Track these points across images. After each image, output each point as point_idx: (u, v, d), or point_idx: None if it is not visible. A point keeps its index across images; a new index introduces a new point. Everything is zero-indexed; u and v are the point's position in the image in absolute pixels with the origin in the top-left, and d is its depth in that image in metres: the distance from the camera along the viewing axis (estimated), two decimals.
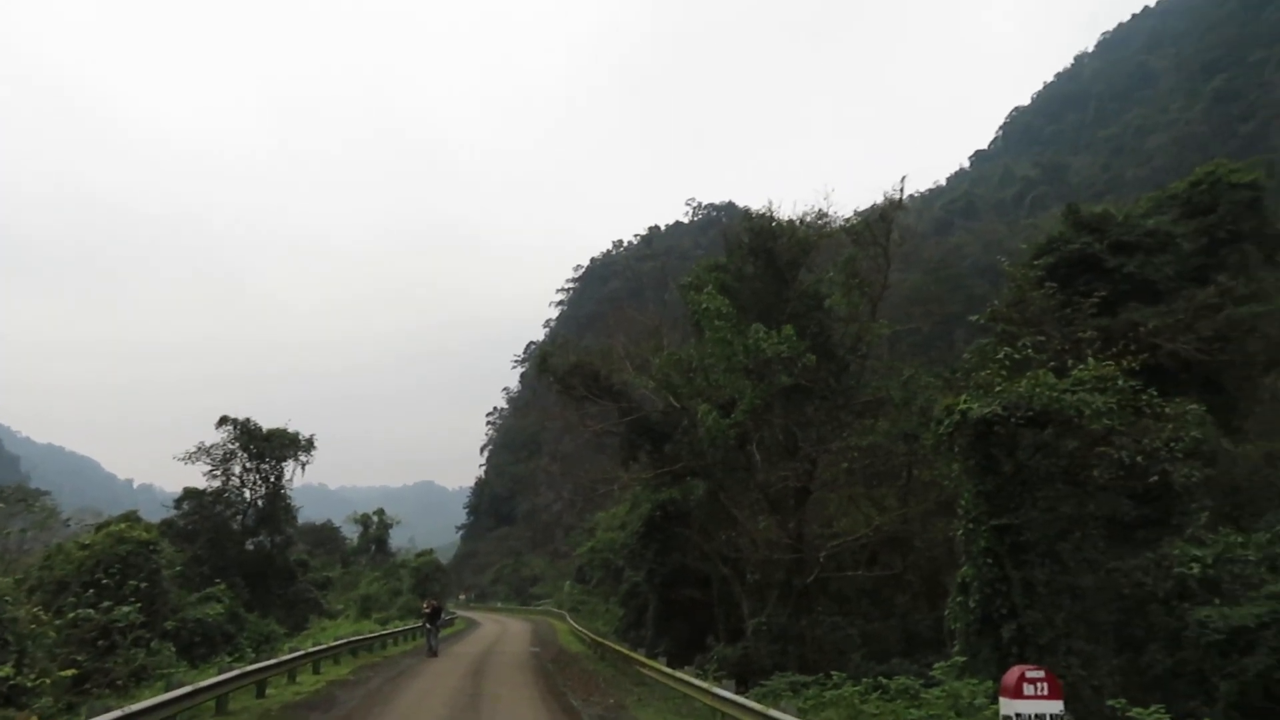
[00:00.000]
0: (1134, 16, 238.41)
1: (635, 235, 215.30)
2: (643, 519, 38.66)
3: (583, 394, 36.47)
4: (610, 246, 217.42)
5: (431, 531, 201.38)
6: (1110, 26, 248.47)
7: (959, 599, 17.39)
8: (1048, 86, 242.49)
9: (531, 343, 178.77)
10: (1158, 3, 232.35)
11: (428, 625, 38.64)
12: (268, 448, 55.06)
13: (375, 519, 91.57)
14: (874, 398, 30.30)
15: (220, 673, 19.74)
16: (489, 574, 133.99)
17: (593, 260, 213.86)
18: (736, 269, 32.23)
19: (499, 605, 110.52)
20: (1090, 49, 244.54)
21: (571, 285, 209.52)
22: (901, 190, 31.92)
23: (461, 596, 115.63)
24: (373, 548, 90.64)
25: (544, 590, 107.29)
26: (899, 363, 33.22)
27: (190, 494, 53.16)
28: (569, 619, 65.42)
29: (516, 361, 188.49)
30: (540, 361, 40.79)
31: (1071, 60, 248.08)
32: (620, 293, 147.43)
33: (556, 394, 39.73)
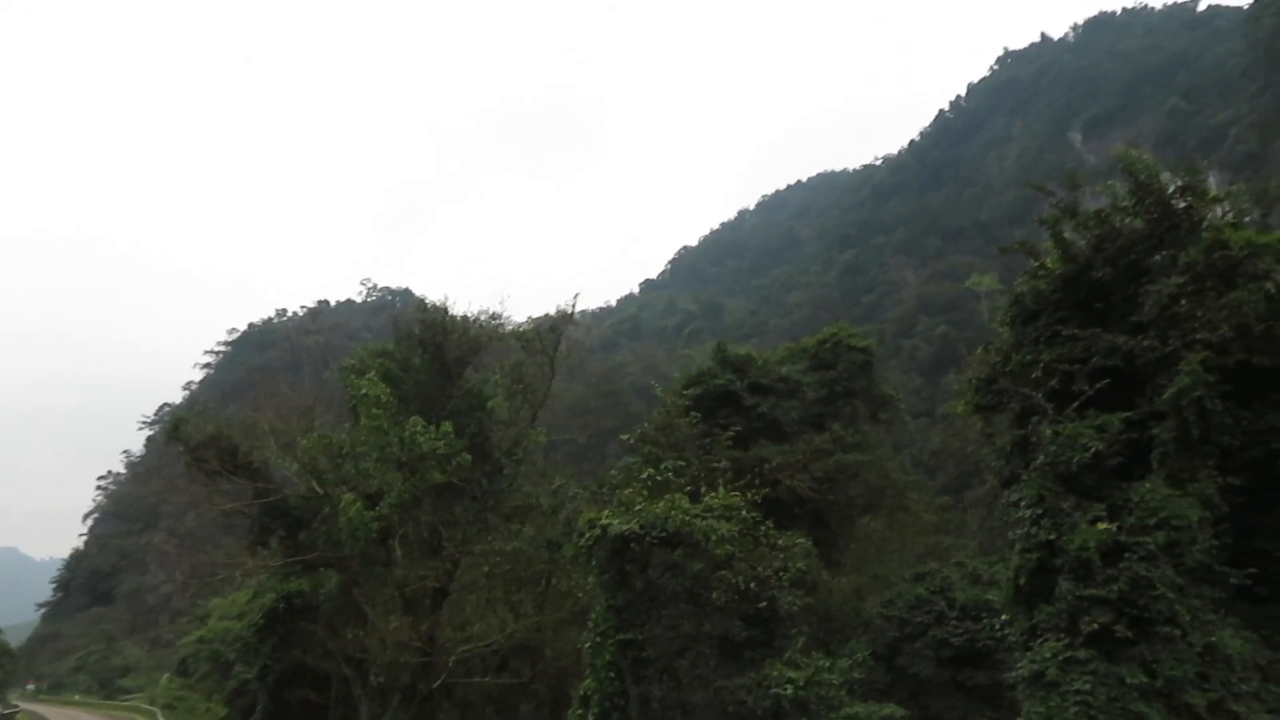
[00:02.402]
0: (789, 186, 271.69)
1: (302, 306, 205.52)
2: (264, 610, 35.64)
3: (216, 468, 33.40)
4: (273, 314, 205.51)
5: (6, 608, 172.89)
6: (769, 191, 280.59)
7: (579, 711, 17.67)
8: (714, 233, 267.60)
9: (166, 404, 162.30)
10: (809, 179, 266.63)
11: None
12: None
13: None
14: (524, 503, 30.67)
15: None
16: (71, 661, 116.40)
17: (251, 325, 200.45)
18: (404, 358, 31.69)
19: (77, 698, 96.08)
20: (751, 207, 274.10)
21: (223, 348, 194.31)
22: (574, 305, 33.43)
23: (29, 686, 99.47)
24: None
25: (137, 683, 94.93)
26: (552, 470, 33.98)
27: None
28: (160, 717, 58.24)
29: (145, 423, 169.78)
30: (172, 427, 36.92)
31: (735, 213, 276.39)
32: (277, 364, 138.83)
33: (186, 465, 36.07)
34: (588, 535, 18.40)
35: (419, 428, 26.17)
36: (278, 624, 34.74)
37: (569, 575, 26.85)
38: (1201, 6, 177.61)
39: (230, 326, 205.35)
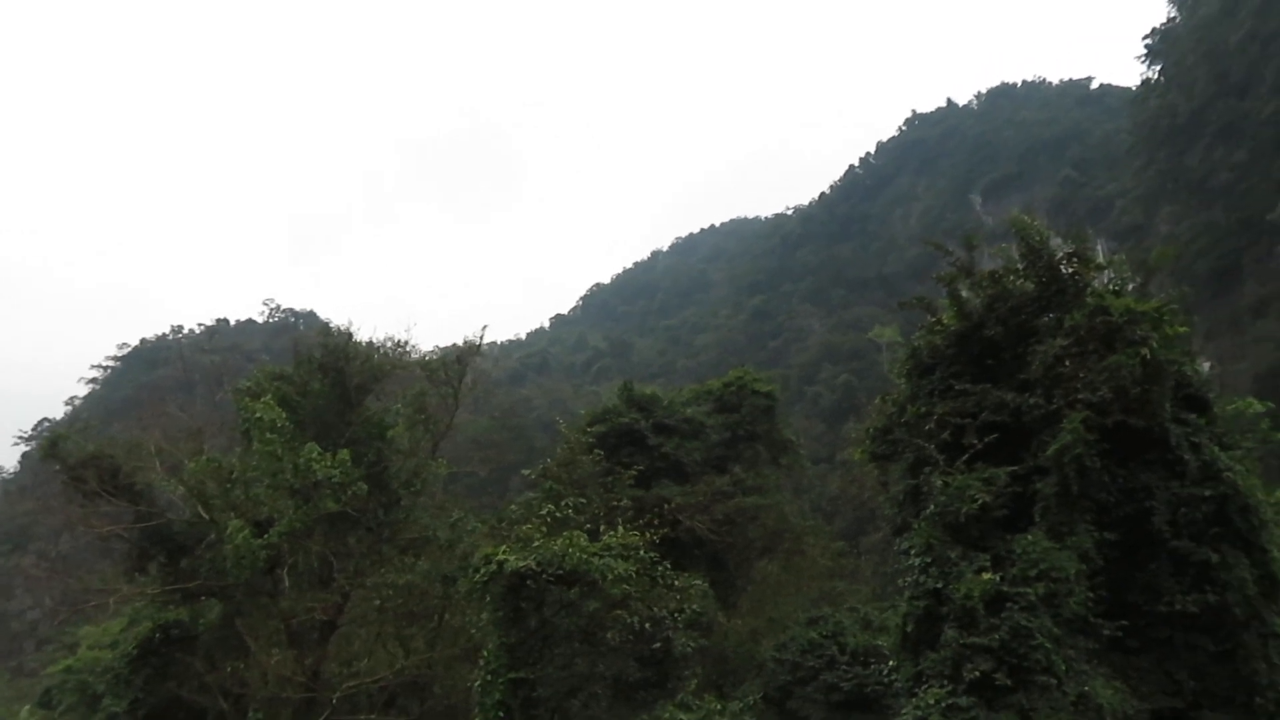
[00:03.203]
0: (702, 230, 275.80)
1: (199, 324, 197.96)
2: (138, 640, 33.88)
3: (95, 489, 31.84)
4: (168, 330, 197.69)
5: None
6: (683, 233, 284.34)
7: None
8: (626, 272, 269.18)
9: (46, 420, 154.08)
10: (722, 224, 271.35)
11: None
12: None
13: None
14: (420, 536, 30.09)
15: None
16: None
17: (143, 341, 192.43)
18: (302, 383, 30.91)
19: None
20: (665, 248, 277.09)
21: (111, 364, 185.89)
22: (482, 337, 33.22)
23: None
24: None
25: None
26: (451, 503, 33.46)
27: None
28: None
29: (20, 439, 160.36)
30: (49, 445, 35.10)
31: (649, 254, 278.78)
32: (168, 383, 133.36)
33: (63, 484, 34.31)
34: (483, 570, 18.17)
35: (314, 454, 25.49)
36: (152, 655, 33.09)
37: (463, 611, 26.35)
38: (1094, 85, 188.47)
39: (120, 341, 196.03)
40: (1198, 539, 15.79)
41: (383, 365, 31.23)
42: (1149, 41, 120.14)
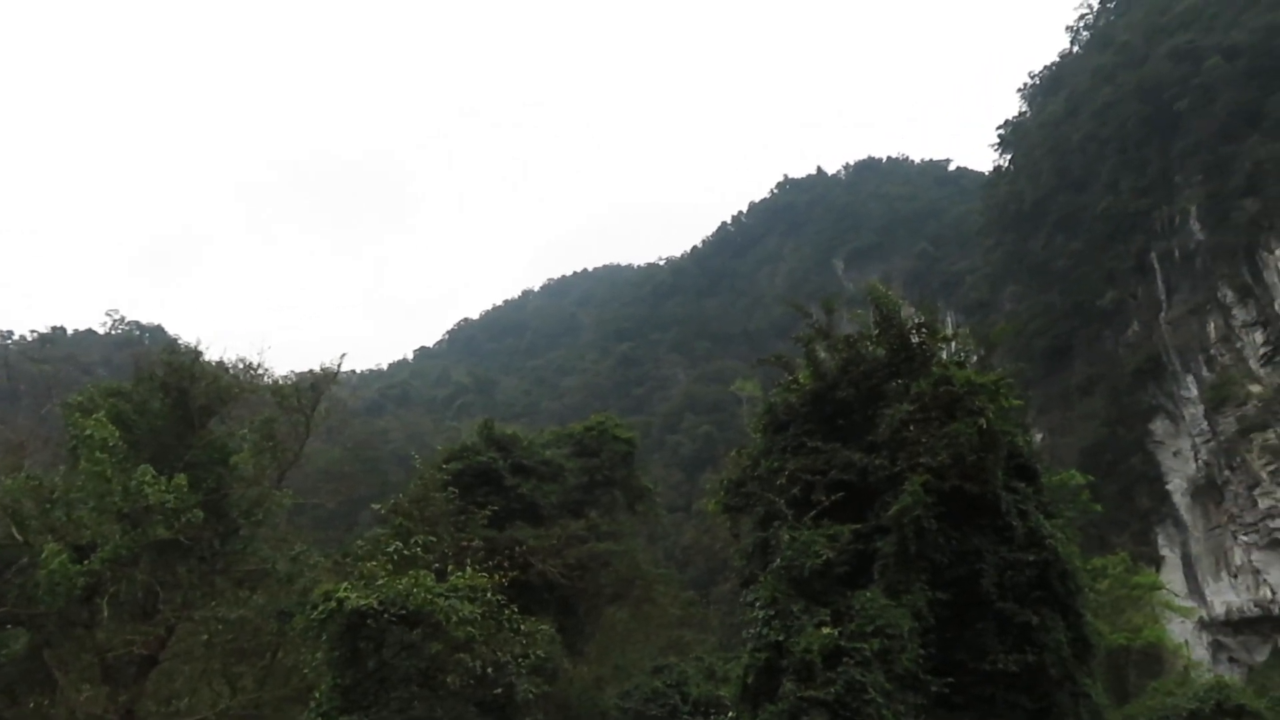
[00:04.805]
0: (575, 273, 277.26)
1: (32, 331, 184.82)
2: None
3: None
4: None
5: None
6: (556, 275, 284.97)
7: None
8: (496, 309, 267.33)
9: None
10: (594, 269, 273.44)
11: None
12: None
13: None
14: (258, 568, 28.68)
15: None
16: None
17: None
18: (141, 401, 29.19)
19: None
20: (536, 289, 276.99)
21: None
22: (340, 364, 32.27)
23: None
24: None
25: None
26: (294, 535, 32.14)
27: None
28: None
29: None
30: None
31: (520, 293, 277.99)
32: None
33: None
34: (322, 608, 17.46)
35: (148, 477, 23.99)
36: None
37: (298, 649, 25.17)
38: (951, 166, 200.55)
39: None
40: (1021, 601, 16.70)
41: (231, 387, 29.81)
42: (1001, 132, 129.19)
